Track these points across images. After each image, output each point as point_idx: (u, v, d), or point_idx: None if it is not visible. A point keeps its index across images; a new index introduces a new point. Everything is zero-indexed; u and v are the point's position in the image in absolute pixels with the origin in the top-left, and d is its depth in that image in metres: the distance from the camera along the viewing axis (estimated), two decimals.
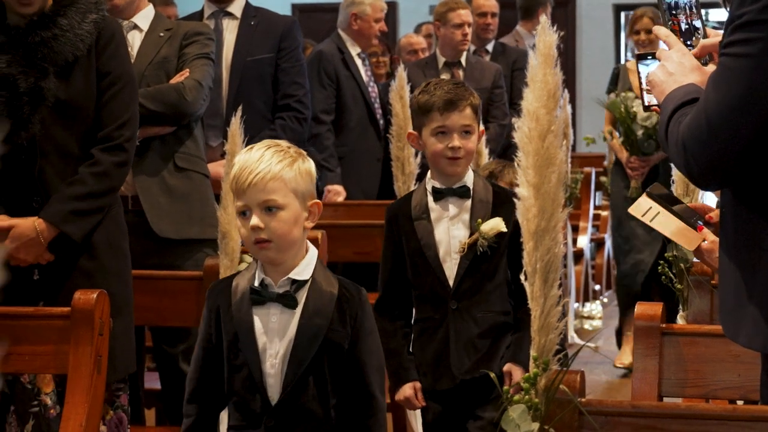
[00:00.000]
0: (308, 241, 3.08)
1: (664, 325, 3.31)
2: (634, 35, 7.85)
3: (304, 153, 3.07)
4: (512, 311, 3.88)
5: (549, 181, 2.46)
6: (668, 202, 3.21)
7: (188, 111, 4.54)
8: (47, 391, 3.77)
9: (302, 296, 3.00)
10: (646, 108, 2.78)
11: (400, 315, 3.95)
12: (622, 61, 14.16)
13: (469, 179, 3.90)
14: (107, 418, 3.85)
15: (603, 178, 9.84)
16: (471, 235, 3.84)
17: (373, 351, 3.06)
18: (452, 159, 3.83)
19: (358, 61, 7.37)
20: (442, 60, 7.49)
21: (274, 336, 3.00)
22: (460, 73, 7.41)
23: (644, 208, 3.17)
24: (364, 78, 7.36)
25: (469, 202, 3.87)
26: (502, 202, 3.84)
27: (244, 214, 3.00)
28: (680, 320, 4.22)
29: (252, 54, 5.50)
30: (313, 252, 3.07)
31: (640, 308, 3.32)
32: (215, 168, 4.98)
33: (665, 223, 3.15)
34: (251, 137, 4.33)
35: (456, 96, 3.85)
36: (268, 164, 2.97)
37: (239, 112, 4.01)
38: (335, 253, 5.38)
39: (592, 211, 9.87)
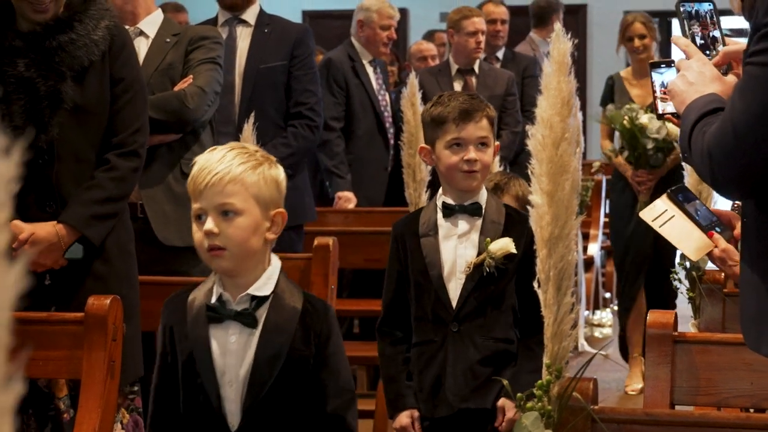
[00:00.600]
0: (273, 254, 2.86)
1: (676, 333, 3.31)
2: (626, 42, 7.52)
3: (273, 159, 2.86)
4: (516, 341, 3.67)
5: (562, 188, 2.47)
6: (688, 201, 3.20)
7: (191, 118, 4.54)
8: (60, 395, 3.78)
9: (263, 314, 2.76)
10: (660, 116, 2.77)
11: (403, 339, 3.75)
12: None
13: (482, 197, 3.73)
14: (124, 422, 3.86)
15: None
16: (479, 255, 3.65)
17: (340, 371, 2.82)
18: (468, 172, 3.65)
19: (369, 69, 7.37)
20: (455, 67, 7.49)
21: (233, 358, 2.76)
22: (473, 80, 7.41)
23: (658, 212, 3.15)
24: (375, 86, 7.35)
25: (480, 221, 3.68)
26: (515, 224, 3.68)
27: (199, 218, 2.78)
28: (692, 328, 4.22)
29: (265, 61, 5.51)
30: (276, 265, 2.84)
31: (653, 316, 3.32)
32: None
33: (676, 228, 3.14)
34: (263, 144, 4.34)
35: (472, 107, 3.67)
36: (229, 165, 2.76)
37: (251, 119, 4.02)
38: (345, 259, 5.38)
39: (602, 219, 9.86)
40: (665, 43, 14.14)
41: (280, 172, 2.85)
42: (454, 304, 3.64)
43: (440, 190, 3.77)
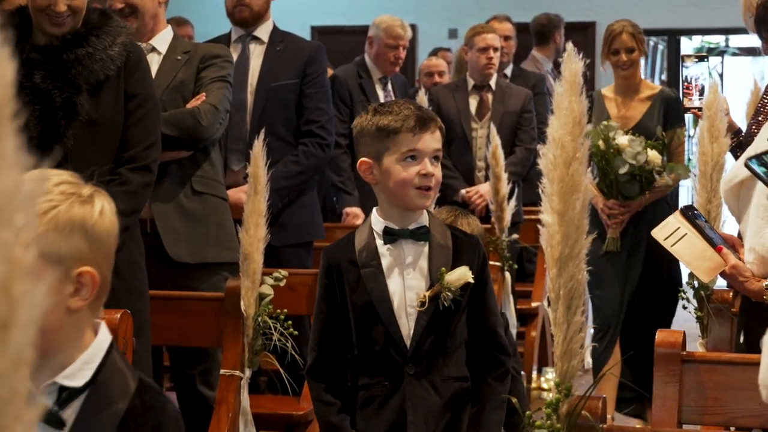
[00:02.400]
0: (103, 326, 2.13)
1: (684, 353, 3.31)
2: (611, 56, 6.39)
3: (88, 193, 2.05)
4: (470, 378, 3.26)
5: (573, 208, 2.48)
6: (699, 219, 3.20)
7: (204, 136, 4.56)
8: None
9: (72, 414, 2.03)
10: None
11: (340, 382, 3.29)
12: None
13: (425, 219, 3.27)
14: None
15: None
16: (430, 286, 3.19)
17: None
18: (423, 189, 3.18)
19: (378, 86, 7.37)
20: (471, 83, 7.49)
21: None
22: (489, 96, 7.41)
23: (670, 230, 3.14)
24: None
25: (426, 247, 3.22)
26: (465, 248, 3.26)
27: None
28: (700, 347, 4.22)
29: (277, 79, 5.51)
30: (100, 343, 2.09)
31: (661, 335, 3.32)
32: (237, 193, 5.01)
33: (689, 248, 3.14)
34: (273, 162, 4.36)
35: (427, 116, 3.24)
36: None
37: (261, 136, 4.03)
38: None
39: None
40: (674, 61, 14.16)
41: (87, 212, 2.03)
42: (407, 342, 3.19)
43: (374, 213, 3.33)
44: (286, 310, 4.10)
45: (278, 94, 5.48)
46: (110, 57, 3.82)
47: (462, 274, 3.15)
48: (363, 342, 3.23)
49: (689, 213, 3.19)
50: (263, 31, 5.59)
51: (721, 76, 14.27)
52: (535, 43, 9.33)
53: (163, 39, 4.76)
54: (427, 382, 3.19)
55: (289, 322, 4.08)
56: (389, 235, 3.23)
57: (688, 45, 14.66)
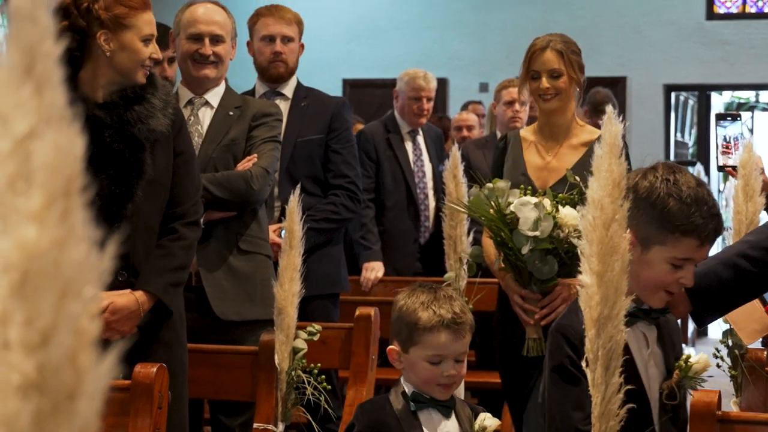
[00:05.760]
0: None
1: (720, 413, 3.30)
2: (531, 81, 4.67)
3: None
4: None
5: (612, 269, 2.48)
6: None
7: (254, 199, 4.60)
8: None
9: None
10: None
11: None
12: (672, 143, 14.22)
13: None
14: None
15: None
16: None
17: None
18: (445, 386, 3.25)
19: (407, 140, 7.39)
20: (499, 137, 7.50)
21: None
22: None
23: None
24: (411, 158, 7.35)
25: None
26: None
27: None
28: (733, 407, 4.20)
29: (302, 135, 5.53)
30: None
31: (697, 395, 3.31)
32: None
33: (742, 307, 3.10)
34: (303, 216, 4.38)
35: (461, 321, 3.22)
36: None
37: (297, 191, 4.05)
38: (387, 329, 5.37)
39: None
40: (704, 117, 14.16)
41: None
42: None
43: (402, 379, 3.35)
44: (319, 364, 4.11)
45: (304, 149, 5.50)
46: (167, 116, 3.87)
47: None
48: None
49: None
50: (288, 88, 5.61)
51: (751, 131, 14.25)
52: (590, 110, 9.51)
53: (216, 93, 4.81)
54: None
55: (323, 376, 4.09)
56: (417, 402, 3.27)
57: (718, 100, 14.68)
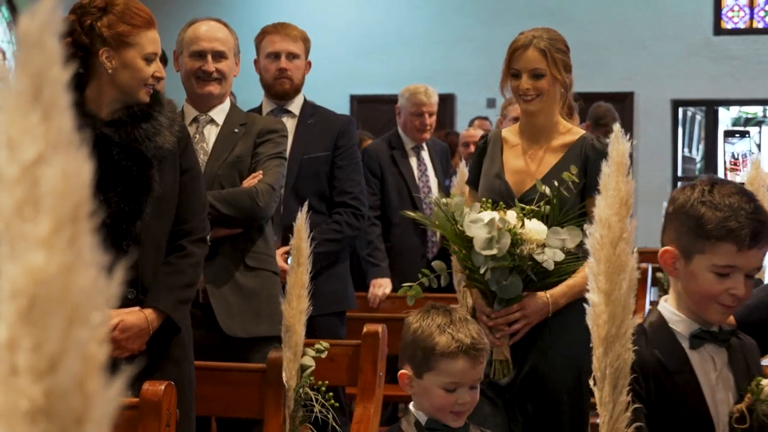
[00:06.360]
0: None
1: None
2: (512, 79, 4.35)
3: None
4: None
5: (620, 287, 2.48)
6: None
7: (260, 215, 4.62)
8: None
9: None
10: None
11: None
12: (679, 158, 14.21)
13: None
14: None
15: (659, 274, 9.81)
16: None
17: None
18: (458, 413, 3.19)
19: (412, 156, 7.39)
20: None
21: None
22: None
23: None
24: (416, 173, 7.36)
25: None
26: None
27: None
28: None
29: (308, 152, 5.53)
30: None
31: None
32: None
33: None
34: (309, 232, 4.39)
35: (479, 346, 3.18)
36: None
37: (305, 209, 4.06)
38: (395, 346, 5.38)
39: (648, 306, 9.83)
40: (712, 132, 14.16)
41: None
42: None
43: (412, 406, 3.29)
44: (327, 382, 4.11)
45: (310, 166, 5.51)
46: (174, 134, 3.87)
47: None
48: None
49: None
50: (294, 105, 5.62)
51: (758, 147, 14.24)
52: (592, 125, 9.57)
53: (221, 110, 4.82)
54: None
55: (330, 393, 4.09)
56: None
57: (725, 115, 14.68)
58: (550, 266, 3.94)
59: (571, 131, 4.40)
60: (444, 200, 4.12)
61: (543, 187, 4.12)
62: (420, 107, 7.35)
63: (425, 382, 3.15)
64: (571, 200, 4.10)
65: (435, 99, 7.48)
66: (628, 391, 2.68)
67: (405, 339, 3.25)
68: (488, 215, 4.00)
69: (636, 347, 2.64)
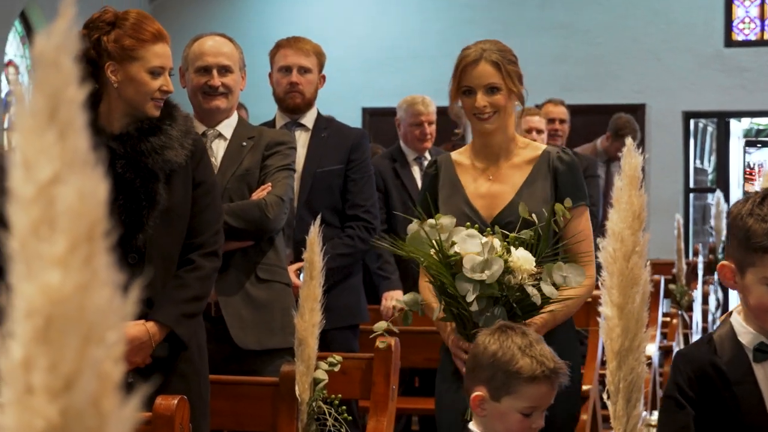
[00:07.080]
0: None
1: None
2: (464, 97, 4.05)
3: None
4: None
5: (633, 301, 2.48)
6: None
7: (270, 227, 4.62)
8: None
9: None
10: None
11: None
12: (691, 170, 14.19)
13: None
14: None
15: (671, 286, 9.82)
16: None
17: None
18: None
19: (415, 167, 7.36)
20: None
21: None
22: None
23: None
24: (419, 183, 7.36)
25: None
26: None
27: None
28: None
29: (322, 165, 5.54)
30: None
31: None
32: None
33: None
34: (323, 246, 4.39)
35: (561, 370, 3.19)
36: None
37: (318, 222, 4.06)
38: (407, 359, 5.38)
39: (660, 319, 9.82)
40: (723, 143, 14.14)
41: None
42: None
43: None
44: (340, 395, 4.11)
45: (323, 179, 5.52)
46: (184, 148, 3.88)
47: None
48: None
49: None
50: (308, 118, 5.62)
51: None
52: (612, 135, 9.67)
53: (228, 124, 4.83)
54: None
55: (344, 407, 4.09)
56: None
57: (737, 127, 14.66)
58: (538, 301, 3.68)
59: (531, 146, 4.17)
60: (431, 221, 3.81)
61: (531, 214, 3.84)
62: (418, 117, 7.31)
63: (503, 405, 3.10)
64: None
65: (433, 108, 7.42)
66: (671, 396, 2.76)
67: (480, 360, 3.16)
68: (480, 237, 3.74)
69: (688, 350, 2.72)
